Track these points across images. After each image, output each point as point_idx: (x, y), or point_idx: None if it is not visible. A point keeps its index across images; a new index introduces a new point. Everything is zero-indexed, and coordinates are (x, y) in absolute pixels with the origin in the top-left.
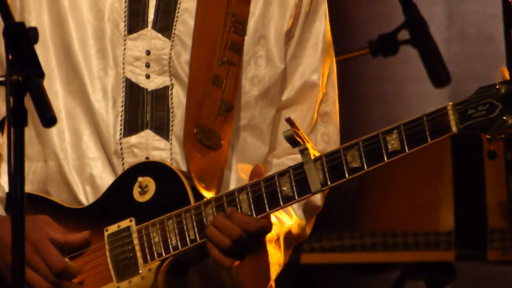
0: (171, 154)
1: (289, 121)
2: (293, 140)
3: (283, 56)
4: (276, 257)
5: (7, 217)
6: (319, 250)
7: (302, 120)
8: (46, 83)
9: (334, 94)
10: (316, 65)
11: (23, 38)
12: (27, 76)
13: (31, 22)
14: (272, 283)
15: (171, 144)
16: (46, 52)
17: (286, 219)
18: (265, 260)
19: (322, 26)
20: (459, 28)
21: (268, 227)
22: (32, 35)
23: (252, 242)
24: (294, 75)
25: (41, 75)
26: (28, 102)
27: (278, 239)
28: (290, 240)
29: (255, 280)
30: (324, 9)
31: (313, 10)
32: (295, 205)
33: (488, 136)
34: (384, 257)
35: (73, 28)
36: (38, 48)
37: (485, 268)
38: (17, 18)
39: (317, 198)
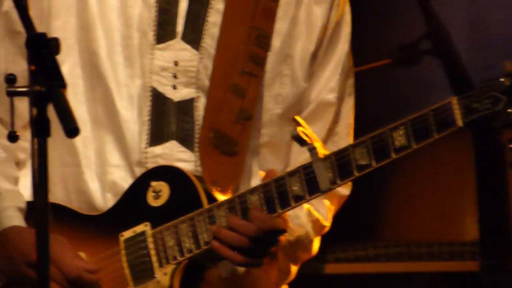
0: (196, 166)
1: (295, 120)
2: (300, 139)
3: (307, 75)
4: (284, 264)
5: (25, 228)
6: (344, 260)
7: None
8: (70, 89)
9: (348, 117)
10: (334, 86)
11: (45, 49)
12: (49, 86)
13: (58, 27)
14: None
15: (196, 156)
16: (71, 58)
17: (296, 230)
18: (274, 266)
19: (344, 48)
20: (481, 37)
21: (284, 227)
22: (54, 45)
23: (268, 242)
24: (311, 94)
25: (63, 85)
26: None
27: (287, 247)
28: (299, 252)
29: (262, 286)
30: (347, 32)
31: (338, 32)
32: (304, 219)
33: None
34: (408, 267)
35: (101, 35)
36: (63, 54)
37: (510, 279)
38: (44, 22)
39: (325, 218)
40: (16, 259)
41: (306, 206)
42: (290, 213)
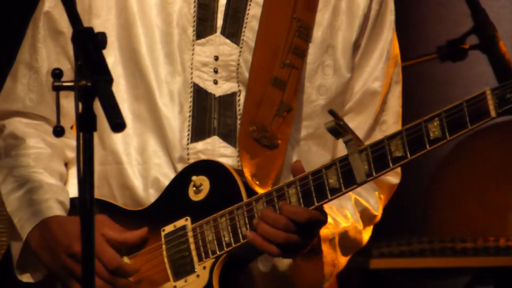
0: (238, 161)
1: (332, 112)
2: (336, 131)
3: (350, 65)
4: (330, 256)
5: (65, 218)
6: (388, 255)
7: (361, 129)
8: (112, 87)
9: (396, 105)
10: (379, 74)
11: (91, 44)
12: (95, 81)
13: (98, 25)
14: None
15: (238, 151)
16: (112, 56)
17: (342, 221)
18: (319, 258)
19: (389, 36)
20: None
21: (321, 218)
22: (100, 40)
23: (305, 234)
24: (357, 84)
25: (110, 80)
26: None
27: (333, 239)
28: (346, 243)
29: (308, 279)
30: (391, 20)
31: (380, 20)
32: (351, 210)
33: None
34: (453, 262)
35: (141, 32)
36: (104, 52)
37: None
38: (84, 20)
39: (375, 208)
40: (56, 249)
41: (353, 196)
42: (335, 204)
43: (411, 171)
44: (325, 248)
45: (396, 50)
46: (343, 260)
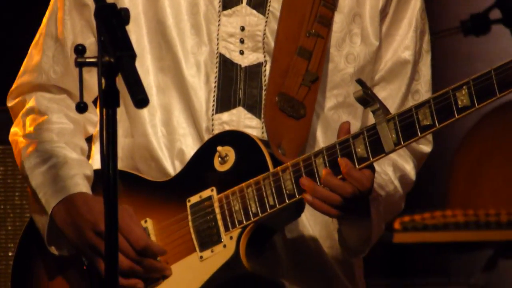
0: (263, 132)
1: (359, 81)
2: (364, 100)
3: (378, 33)
4: (376, 218)
5: (92, 196)
6: (412, 229)
7: (394, 98)
8: (137, 60)
9: (427, 73)
10: (409, 43)
11: (114, 19)
12: (119, 57)
13: None
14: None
15: (262, 122)
16: (138, 28)
17: (385, 185)
18: (367, 221)
19: (417, 5)
20: None
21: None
22: (123, 16)
23: (360, 199)
24: (387, 53)
25: (133, 56)
26: (119, 82)
27: (378, 201)
28: (389, 207)
29: (354, 243)
30: None
31: None
32: (392, 175)
33: None
34: (477, 236)
35: (167, 3)
36: (130, 24)
37: None
38: None
39: (411, 174)
40: (82, 226)
41: (391, 161)
42: (378, 169)
43: (434, 144)
44: (373, 209)
45: (425, 18)
46: (383, 225)
